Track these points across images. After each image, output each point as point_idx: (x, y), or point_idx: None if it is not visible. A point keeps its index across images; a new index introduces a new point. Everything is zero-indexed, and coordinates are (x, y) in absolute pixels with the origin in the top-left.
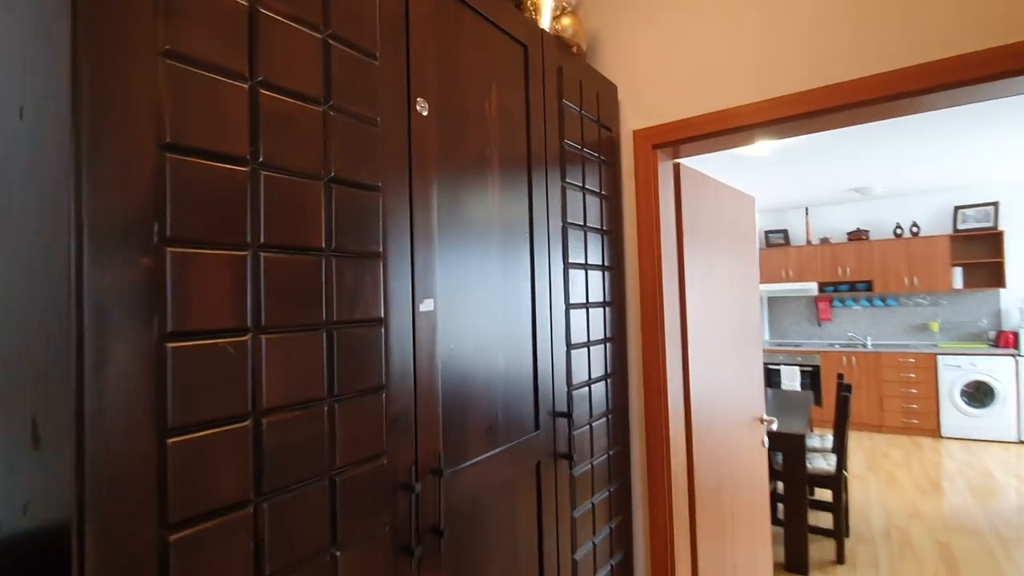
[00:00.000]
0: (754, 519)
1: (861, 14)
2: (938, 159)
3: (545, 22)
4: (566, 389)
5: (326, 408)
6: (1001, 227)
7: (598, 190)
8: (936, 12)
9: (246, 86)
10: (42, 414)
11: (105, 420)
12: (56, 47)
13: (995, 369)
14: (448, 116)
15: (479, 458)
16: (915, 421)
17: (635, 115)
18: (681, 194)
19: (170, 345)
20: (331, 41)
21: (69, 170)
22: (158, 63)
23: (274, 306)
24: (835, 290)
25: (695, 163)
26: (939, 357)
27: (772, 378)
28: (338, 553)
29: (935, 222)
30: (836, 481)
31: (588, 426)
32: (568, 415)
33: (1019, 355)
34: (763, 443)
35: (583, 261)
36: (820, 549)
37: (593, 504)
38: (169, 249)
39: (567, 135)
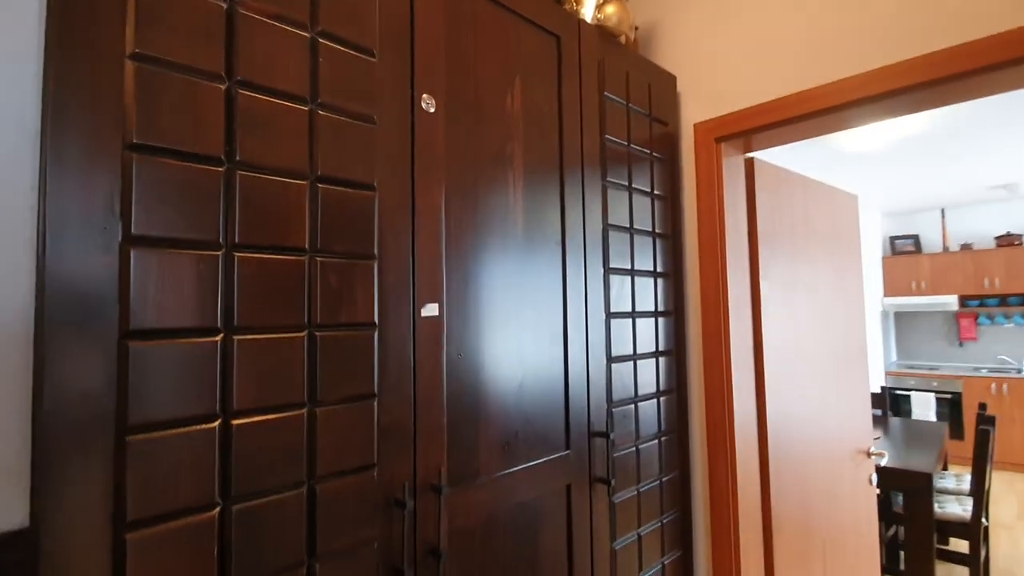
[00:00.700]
0: (857, 567)
1: None
2: None
3: (588, 12)
4: (605, 406)
5: (305, 413)
6: None
7: (649, 190)
8: None
9: (223, 87)
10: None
11: (61, 415)
12: (27, 40)
13: None
14: (460, 112)
15: (493, 476)
16: None
17: (697, 106)
18: (756, 192)
19: (132, 343)
20: (320, 39)
21: (34, 166)
22: (125, 65)
23: (249, 307)
24: (981, 304)
25: (786, 162)
26: None
27: (901, 405)
28: (317, 566)
29: None
30: (973, 530)
31: (634, 448)
32: (606, 435)
33: None
34: (870, 480)
35: (628, 267)
36: None
37: (640, 535)
38: (132, 248)
39: (609, 130)
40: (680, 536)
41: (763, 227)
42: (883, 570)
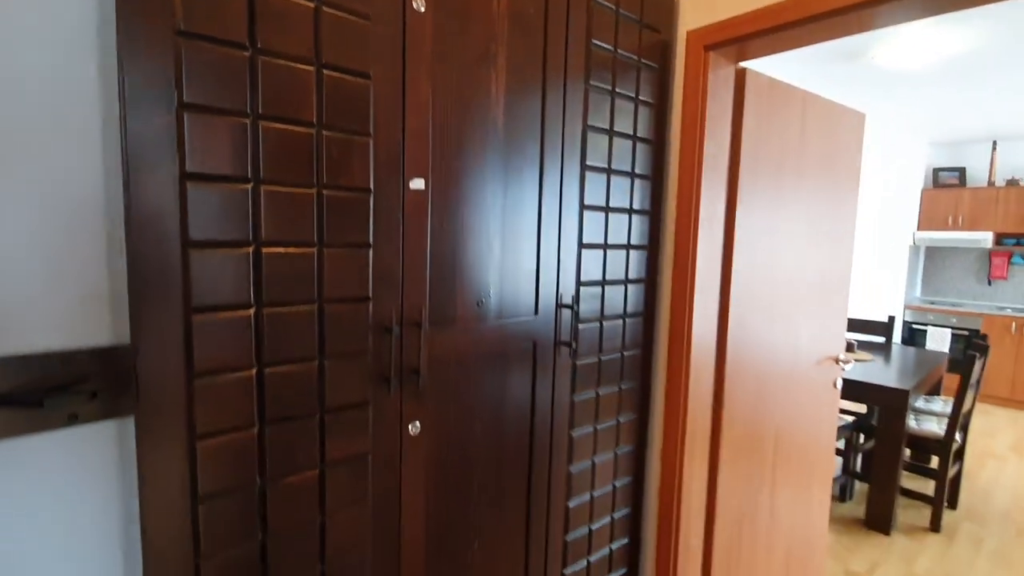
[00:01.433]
0: (812, 465)
1: None
2: None
3: None
4: (574, 285)
5: (316, 251)
6: None
7: (634, 95)
8: None
9: None
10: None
11: (144, 238)
12: None
13: None
14: (448, 13)
15: (468, 325)
16: None
17: (694, 14)
18: (744, 106)
19: (189, 183)
20: None
21: (111, 49)
22: None
23: (271, 164)
24: (1017, 243)
25: (818, 83)
26: None
27: (916, 339)
28: (326, 362)
29: None
30: (945, 447)
31: (598, 323)
32: (572, 307)
33: None
34: (835, 384)
35: (605, 166)
36: (915, 515)
37: (598, 394)
38: (185, 112)
39: (595, 35)
40: (635, 403)
41: (748, 144)
42: (856, 476)
